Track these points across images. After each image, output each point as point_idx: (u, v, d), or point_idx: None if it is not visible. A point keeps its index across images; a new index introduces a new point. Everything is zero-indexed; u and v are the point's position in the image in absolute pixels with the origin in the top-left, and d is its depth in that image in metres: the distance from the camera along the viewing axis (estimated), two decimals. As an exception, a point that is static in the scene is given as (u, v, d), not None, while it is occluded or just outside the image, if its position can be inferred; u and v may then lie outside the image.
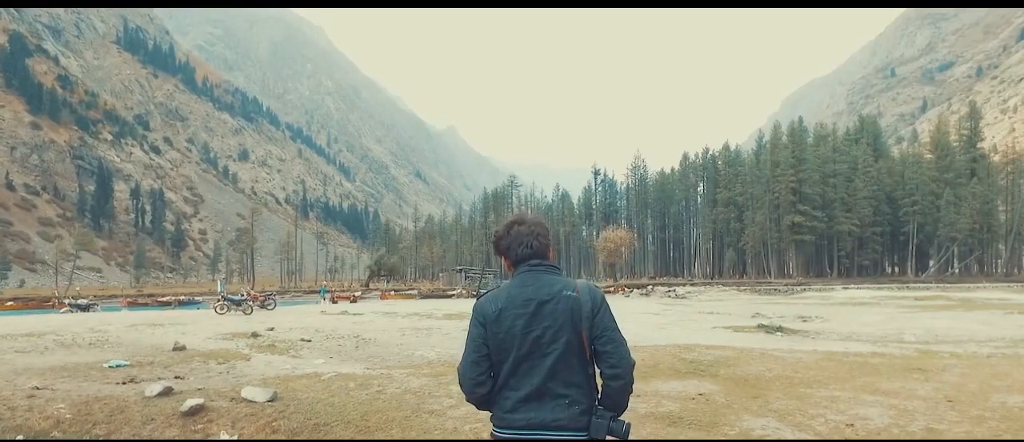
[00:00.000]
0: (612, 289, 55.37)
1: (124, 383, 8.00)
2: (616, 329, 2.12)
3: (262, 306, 24.19)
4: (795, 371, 7.14)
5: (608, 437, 2.05)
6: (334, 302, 37.69)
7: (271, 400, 6.67)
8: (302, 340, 12.85)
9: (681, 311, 23.76)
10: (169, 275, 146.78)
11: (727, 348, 9.75)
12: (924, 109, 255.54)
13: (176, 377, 8.53)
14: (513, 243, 2.22)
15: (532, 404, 2.05)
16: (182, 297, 52.52)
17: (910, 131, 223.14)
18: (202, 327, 16.56)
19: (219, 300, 22.43)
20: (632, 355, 2.15)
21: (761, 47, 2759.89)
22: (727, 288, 51.71)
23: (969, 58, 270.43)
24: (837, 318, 18.02)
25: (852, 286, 48.79)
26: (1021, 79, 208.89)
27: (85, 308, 27.06)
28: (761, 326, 14.60)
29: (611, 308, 2.14)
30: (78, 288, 56.15)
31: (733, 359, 8.23)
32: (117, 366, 9.40)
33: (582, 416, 2.05)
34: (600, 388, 2.13)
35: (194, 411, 6.39)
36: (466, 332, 2.22)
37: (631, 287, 56.86)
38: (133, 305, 46.29)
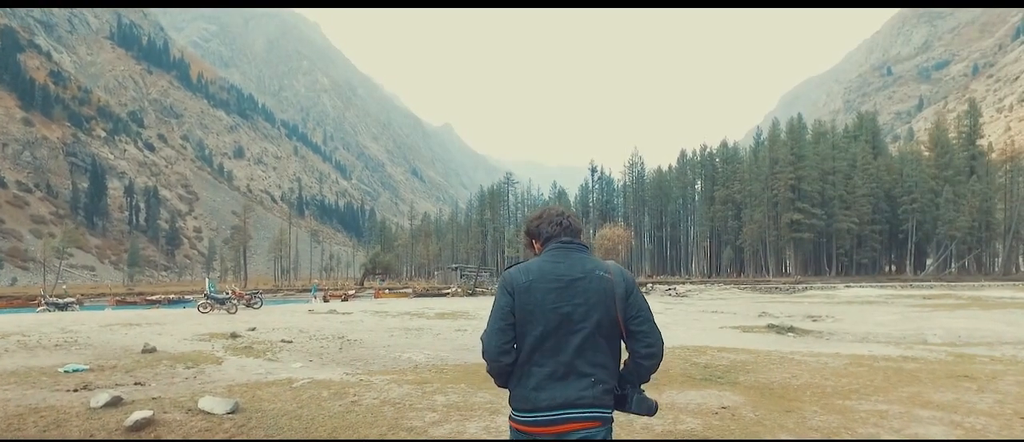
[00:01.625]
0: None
1: (75, 391, 7.23)
2: (649, 309, 2.14)
3: (248, 305, 23.35)
4: (824, 378, 6.36)
5: (643, 415, 2.15)
6: (326, 301, 36.89)
7: (231, 412, 5.87)
8: (283, 341, 12.04)
9: (683, 310, 22.96)
10: (164, 273, 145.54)
11: (741, 351, 8.97)
12: (920, 107, 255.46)
13: (136, 383, 7.76)
14: (545, 223, 2.24)
15: (557, 382, 2.04)
16: (172, 296, 51.63)
17: (906, 129, 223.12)
18: (181, 327, 15.73)
19: (203, 299, 21.60)
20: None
21: (758, 46, 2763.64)
22: (727, 286, 50.95)
23: (965, 57, 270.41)
24: (848, 317, 17.24)
25: (854, 285, 48.06)
26: (1017, 77, 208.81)
27: (63, 307, 26.15)
28: (771, 326, 13.81)
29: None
30: (65, 287, 55.08)
31: (751, 364, 7.46)
32: (74, 371, 8.59)
33: (606, 395, 2.06)
34: (629, 365, 2.15)
35: (140, 425, 5.59)
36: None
37: (629, 285, 56.02)
38: (120, 304, 45.36)
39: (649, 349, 2.11)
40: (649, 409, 2.14)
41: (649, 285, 54.38)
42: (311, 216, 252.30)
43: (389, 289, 58.11)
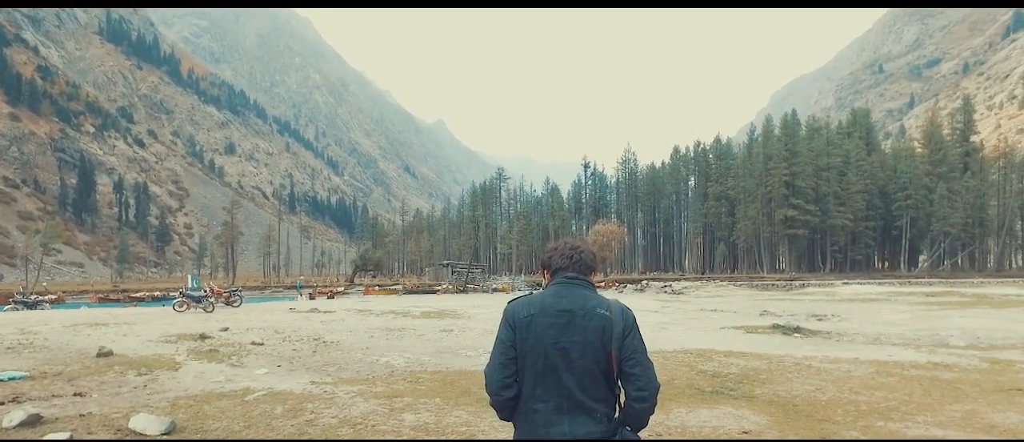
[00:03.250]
0: (603, 285, 53.86)
1: (1, 404, 6.41)
2: (645, 352, 2.13)
3: (227, 303, 22.41)
4: (854, 392, 5.57)
5: None
6: (311, 298, 36.02)
7: (166, 433, 5.03)
8: (253, 343, 11.16)
9: (681, 309, 22.15)
10: (153, 270, 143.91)
11: (749, 355, 8.18)
12: (912, 105, 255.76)
13: (75, 394, 6.92)
14: (556, 254, 2.26)
15: (565, 416, 2.05)
16: (157, 292, 50.58)
17: (898, 127, 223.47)
18: (150, 327, 14.82)
19: (179, 297, 20.65)
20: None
21: (750, 43, 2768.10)
22: (723, 284, 50.23)
23: (956, 55, 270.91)
24: (854, 316, 16.47)
25: (851, 281, 47.38)
26: (1007, 76, 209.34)
27: (32, 305, 25.13)
28: (776, 326, 13.01)
29: (642, 337, 2.14)
30: (45, 284, 53.90)
31: (764, 372, 6.66)
32: (9, 379, 7.71)
33: (610, 430, 2.08)
34: (622, 406, 2.15)
35: (52, 452, 4.76)
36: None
37: (623, 282, 55.36)
38: (103, 301, 44.47)
39: (640, 392, 2.07)
40: None
41: (644, 282, 53.62)
42: (303, 212, 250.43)
43: (379, 286, 57.20)
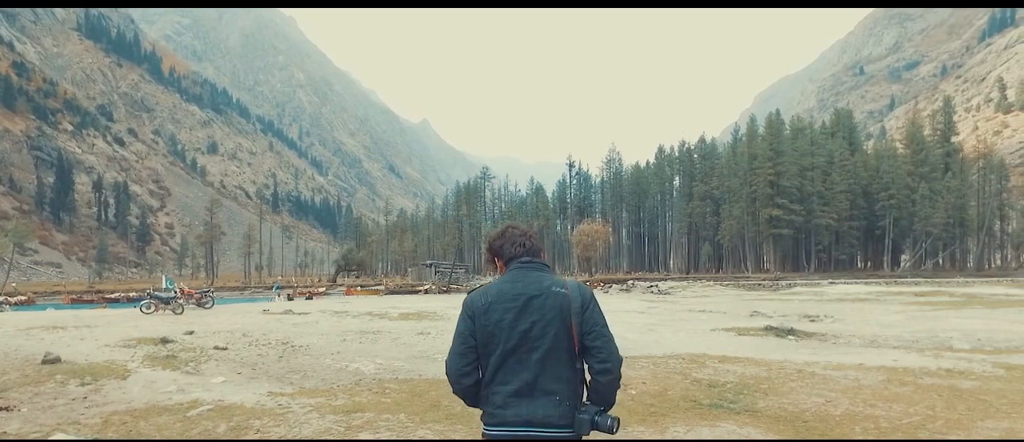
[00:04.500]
0: (588, 284, 53.33)
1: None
2: (605, 325, 2.15)
3: (198, 304, 21.54)
4: (868, 404, 5.02)
5: (595, 433, 2.10)
6: (289, 299, 35.17)
7: (85, 458, 4.36)
8: (216, 348, 10.45)
9: (668, 309, 21.63)
10: (134, 270, 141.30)
11: (746, 360, 7.63)
12: (892, 107, 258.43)
13: (2, 408, 6.22)
14: (507, 242, 2.29)
15: (523, 400, 2.07)
16: (132, 293, 49.38)
17: (879, 128, 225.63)
18: (112, 330, 14.01)
19: (147, 298, 19.78)
20: (623, 368, 2.18)
21: (734, 45, 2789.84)
22: (709, 283, 49.91)
23: (934, 58, 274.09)
24: (848, 317, 16.00)
25: (837, 281, 47.27)
26: (983, 79, 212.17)
27: (-6, 307, 24.10)
28: (769, 328, 12.48)
29: (602, 311, 2.16)
30: (15, 285, 52.42)
31: (765, 381, 6.11)
32: (-69, 391, 6.98)
33: (570, 412, 2.08)
34: (588, 385, 2.17)
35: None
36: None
37: (608, 282, 54.93)
38: (76, 302, 43.34)
39: (603, 365, 2.09)
40: (598, 426, 2.07)
41: (629, 282, 53.20)
42: (286, 212, 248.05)
43: (361, 287, 56.33)
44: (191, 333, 12.94)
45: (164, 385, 7.29)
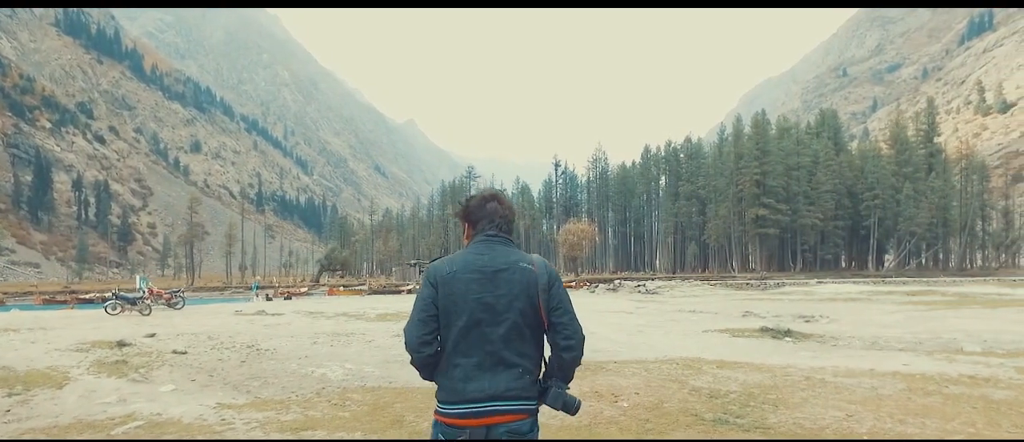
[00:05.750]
0: (575, 284, 52.84)
1: None
2: (570, 302, 2.15)
3: (168, 305, 20.66)
4: (897, 419, 4.40)
5: (561, 411, 2.11)
6: (268, 300, 34.28)
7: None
8: (175, 352, 9.68)
9: (657, 309, 21.04)
10: (115, 271, 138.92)
11: (746, 365, 7.02)
12: (874, 108, 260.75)
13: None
14: (484, 215, 2.24)
15: (486, 373, 2.04)
16: (108, 293, 48.05)
17: (861, 129, 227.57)
18: (70, 333, 13.17)
19: (112, 299, 18.89)
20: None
21: (719, 46, 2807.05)
22: (697, 283, 49.47)
23: (915, 60, 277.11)
24: (843, 317, 15.47)
25: (827, 280, 47.02)
26: (963, 81, 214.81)
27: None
28: (765, 329, 11.89)
29: (573, 298, 2.18)
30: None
31: (771, 389, 5.48)
32: None
33: (533, 386, 2.09)
34: (552, 359, 2.16)
35: None
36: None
37: (595, 281, 54.38)
38: (48, 302, 42.11)
39: (568, 341, 2.09)
40: (567, 405, 2.08)
41: (616, 282, 52.67)
42: (271, 212, 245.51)
43: (344, 287, 55.39)
44: (152, 336, 12.15)
45: (103, 395, 6.54)
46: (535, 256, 2.19)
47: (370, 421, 4.74)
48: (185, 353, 9.68)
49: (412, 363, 2.15)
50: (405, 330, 2.16)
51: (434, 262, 2.20)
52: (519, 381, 2.04)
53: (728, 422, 4.38)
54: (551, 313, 2.09)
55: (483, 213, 2.22)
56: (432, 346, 2.10)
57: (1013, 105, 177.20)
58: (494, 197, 2.29)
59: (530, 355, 2.09)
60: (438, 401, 2.08)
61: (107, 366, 8.42)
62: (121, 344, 10.83)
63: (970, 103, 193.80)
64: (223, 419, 4.95)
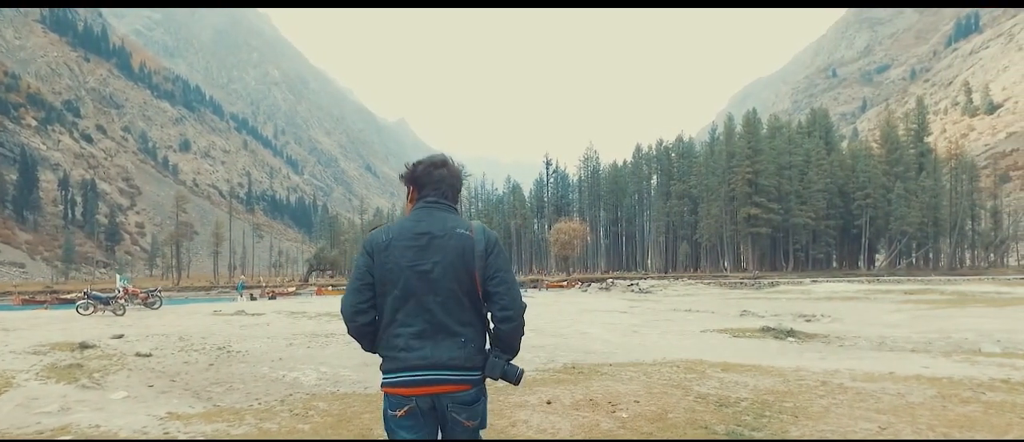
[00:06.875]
0: (566, 284, 52.33)
1: None
2: (509, 271, 2.09)
3: (145, 304, 19.95)
4: (938, 432, 3.82)
5: (501, 379, 2.06)
6: (253, 299, 33.57)
7: None
8: (138, 355, 9.03)
9: (652, 308, 20.48)
10: (102, 270, 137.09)
11: (753, 368, 6.45)
12: (864, 109, 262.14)
13: None
14: (430, 181, 2.16)
15: (427, 342, 1.99)
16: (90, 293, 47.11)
17: (851, 130, 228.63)
18: (32, 334, 12.47)
19: (84, 299, 18.18)
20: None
21: (708, 46, 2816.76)
22: (690, 282, 49.05)
23: (904, 61, 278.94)
24: (846, 317, 14.97)
25: (821, 279, 46.76)
26: (950, 82, 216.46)
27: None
28: (766, 329, 11.36)
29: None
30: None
31: (786, 395, 4.92)
32: None
33: (477, 355, 2.03)
34: (490, 331, 2.10)
35: None
36: None
37: (587, 281, 53.89)
38: (28, 302, 41.34)
39: (504, 312, 2.02)
40: (507, 374, 2.02)
41: (609, 281, 52.19)
42: (260, 211, 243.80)
43: (332, 286, 54.63)
44: (120, 337, 11.47)
45: (44, 404, 5.90)
46: (475, 222, 2.09)
47: (333, 432, 4.14)
48: (149, 356, 9.03)
49: (349, 332, 2.08)
50: (341, 300, 2.08)
51: (373, 231, 2.10)
52: (462, 350, 1.97)
53: (744, 436, 3.81)
54: (487, 282, 2.00)
55: (429, 179, 2.13)
56: (367, 314, 2.03)
57: (1000, 106, 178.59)
58: (443, 164, 2.17)
59: (473, 323, 2.01)
60: (382, 372, 2.01)
61: (59, 371, 7.77)
62: (83, 346, 10.15)
63: (957, 104, 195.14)
64: (166, 432, 4.33)
